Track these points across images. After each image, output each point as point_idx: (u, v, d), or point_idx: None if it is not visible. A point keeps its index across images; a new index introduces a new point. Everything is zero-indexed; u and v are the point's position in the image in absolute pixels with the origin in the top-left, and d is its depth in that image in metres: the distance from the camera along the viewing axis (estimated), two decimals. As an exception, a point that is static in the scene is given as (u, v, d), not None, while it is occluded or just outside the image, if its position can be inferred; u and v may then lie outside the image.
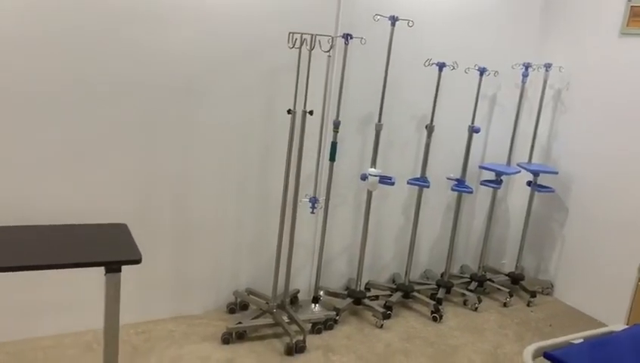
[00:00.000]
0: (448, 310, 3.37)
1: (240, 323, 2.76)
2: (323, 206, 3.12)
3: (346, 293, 3.21)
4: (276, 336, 2.82)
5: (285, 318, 2.84)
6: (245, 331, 2.77)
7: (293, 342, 2.66)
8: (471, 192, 3.41)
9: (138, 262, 1.83)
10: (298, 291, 3.22)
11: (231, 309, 3.02)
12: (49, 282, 2.55)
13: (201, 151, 2.77)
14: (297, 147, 2.78)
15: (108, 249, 1.88)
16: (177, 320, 2.88)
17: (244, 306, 3.07)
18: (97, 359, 2.42)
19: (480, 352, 2.91)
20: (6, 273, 2.42)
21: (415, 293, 3.34)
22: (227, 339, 2.71)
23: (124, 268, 1.87)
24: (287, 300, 2.96)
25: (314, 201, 2.92)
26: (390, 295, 3.32)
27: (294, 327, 2.80)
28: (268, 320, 2.82)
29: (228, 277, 3.03)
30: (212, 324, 2.87)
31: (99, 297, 2.64)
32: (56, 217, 2.48)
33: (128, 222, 2.64)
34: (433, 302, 3.25)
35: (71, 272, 2.58)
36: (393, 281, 3.59)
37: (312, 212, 3.02)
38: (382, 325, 3.05)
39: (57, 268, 1.76)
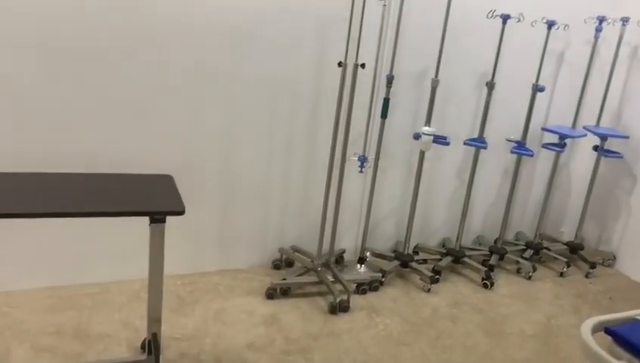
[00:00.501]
0: (500, 277, 3.24)
1: (284, 279, 2.74)
2: (372, 166, 3.01)
3: (393, 255, 3.13)
4: (320, 294, 2.79)
5: (330, 277, 2.80)
6: (289, 288, 2.75)
7: (337, 301, 2.62)
8: (532, 155, 3.20)
9: (181, 213, 1.80)
10: (344, 251, 3.16)
11: (276, 265, 3.01)
12: (101, 230, 2.59)
13: (249, 105, 2.71)
14: (347, 103, 2.67)
15: (153, 200, 1.86)
16: (222, 273, 2.89)
17: (289, 263, 3.05)
18: (144, 308, 2.46)
19: (533, 322, 2.78)
20: (56, 220, 2.47)
21: (466, 259, 3.22)
22: (271, 294, 2.70)
23: (171, 219, 1.85)
24: (332, 259, 2.91)
25: (363, 160, 2.82)
26: (440, 259, 3.21)
27: (338, 287, 2.75)
28: (313, 278, 2.79)
29: (274, 233, 3.00)
30: (257, 279, 2.86)
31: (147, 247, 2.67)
32: (106, 165, 2.49)
33: (176, 174, 2.64)
34: (484, 269, 3.12)
35: (122, 221, 2.62)
36: (443, 246, 3.48)
37: (361, 171, 2.92)
38: (429, 289, 2.97)
39: (101, 216, 1.76)
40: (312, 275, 2.83)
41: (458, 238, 3.28)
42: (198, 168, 2.70)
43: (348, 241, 3.21)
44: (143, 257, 2.70)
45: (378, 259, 3.19)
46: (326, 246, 2.96)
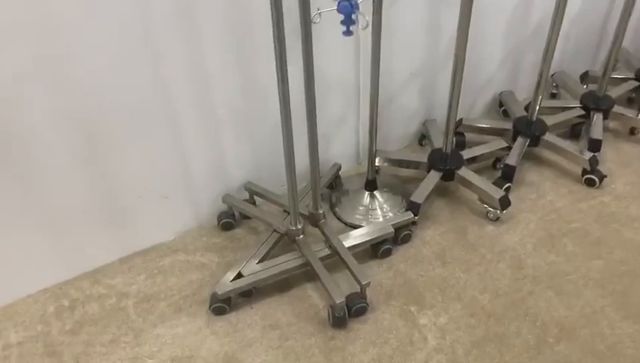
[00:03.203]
0: (607, 153, 1.92)
1: (239, 276, 1.44)
2: (367, 21, 1.47)
3: (424, 160, 1.77)
4: (310, 278, 1.53)
5: (320, 248, 1.51)
6: (250, 291, 1.48)
7: (339, 305, 1.37)
8: None
9: None
10: (338, 168, 1.81)
11: (225, 225, 1.70)
12: None
13: None
14: None
15: None
16: (126, 263, 1.60)
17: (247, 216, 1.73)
18: None
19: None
20: None
21: (547, 137, 1.85)
22: (221, 308, 1.45)
23: None
24: (319, 207, 1.57)
25: (349, 9, 1.29)
26: (506, 149, 1.84)
27: (340, 270, 1.47)
28: (291, 256, 1.49)
29: (212, 172, 1.63)
30: (194, 265, 1.59)
31: None
32: None
33: None
34: (580, 148, 1.78)
35: None
36: (500, 105, 2.08)
37: (348, 33, 1.40)
38: (498, 217, 1.68)
39: None
40: (288, 245, 1.54)
41: (537, 92, 1.85)
42: None
43: (341, 147, 1.84)
44: None
45: (397, 168, 1.85)
46: (303, 172, 1.60)
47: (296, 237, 1.50)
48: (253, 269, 1.46)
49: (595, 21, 2.16)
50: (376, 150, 1.74)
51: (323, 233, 1.53)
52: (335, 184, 1.81)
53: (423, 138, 1.98)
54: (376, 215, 1.70)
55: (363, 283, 1.39)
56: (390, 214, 1.69)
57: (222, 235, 1.69)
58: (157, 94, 1.39)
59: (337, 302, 1.35)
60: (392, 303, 1.46)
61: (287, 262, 1.47)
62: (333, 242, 1.49)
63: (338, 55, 1.63)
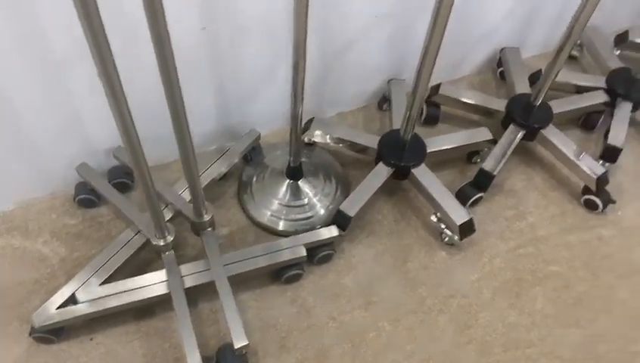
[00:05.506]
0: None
1: (67, 304, 1.02)
2: None
3: (373, 145, 1.27)
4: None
5: (195, 271, 1.07)
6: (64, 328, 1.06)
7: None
8: None
9: None
10: (257, 136, 1.30)
11: (84, 201, 1.23)
12: None
13: None
14: None
15: None
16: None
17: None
18: None
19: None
20: None
21: (548, 131, 1.34)
22: (45, 339, 1.04)
23: None
24: (203, 213, 1.09)
25: None
26: (491, 143, 1.34)
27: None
28: (148, 284, 1.05)
29: (61, 123, 1.13)
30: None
31: None
32: None
33: None
34: (594, 176, 1.29)
35: None
36: (499, 64, 1.54)
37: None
38: (453, 243, 1.23)
39: None
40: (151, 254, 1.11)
41: (555, 63, 1.31)
42: None
43: (268, 106, 1.32)
44: None
45: (344, 149, 1.35)
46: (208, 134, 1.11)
47: (163, 253, 1.06)
48: (93, 293, 1.03)
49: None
50: (310, 120, 1.24)
51: (205, 249, 1.09)
52: (252, 156, 1.33)
53: (384, 101, 1.46)
54: (294, 214, 1.24)
55: (237, 346, 0.97)
56: (315, 213, 1.23)
57: (79, 214, 1.23)
58: None
59: (194, 368, 0.95)
60: (283, 358, 1.07)
61: (142, 288, 1.04)
62: (213, 266, 1.05)
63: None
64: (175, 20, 0.76)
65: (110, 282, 1.05)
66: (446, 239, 1.23)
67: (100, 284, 1.04)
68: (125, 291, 1.04)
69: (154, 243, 1.04)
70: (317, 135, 1.32)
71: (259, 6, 1.08)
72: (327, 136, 1.32)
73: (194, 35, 1.06)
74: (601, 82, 1.44)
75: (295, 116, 1.09)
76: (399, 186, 1.33)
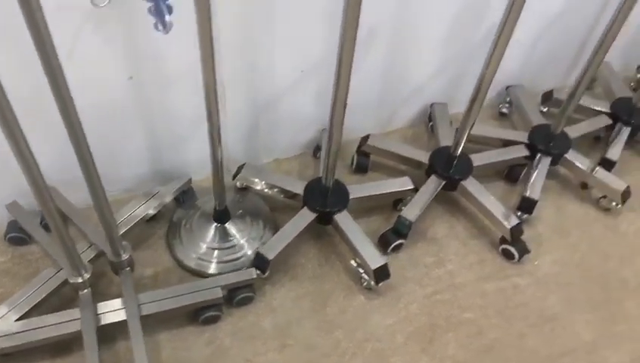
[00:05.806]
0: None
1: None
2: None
3: (299, 192, 1.33)
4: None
5: (111, 310, 1.10)
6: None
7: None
8: None
9: None
10: (187, 181, 1.36)
11: (14, 239, 1.27)
12: None
13: None
14: None
15: None
16: None
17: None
18: None
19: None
20: None
21: (468, 183, 1.41)
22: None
23: None
24: (120, 253, 1.14)
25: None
26: (413, 192, 1.41)
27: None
28: (63, 321, 1.08)
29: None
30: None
31: None
32: None
33: None
34: (508, 226, 1.35)
35: None
36: (429, 119, 1.62)
37: (163, 27, 0.91)
38: (371, 288, 1.27)
39: None
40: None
41: (467, 119, 1.39)
42: None
43: (200, 152, 1.39)
44: None
45: (276, 194, 1.40)
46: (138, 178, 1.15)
47: (80, 291, 1.09)
48: (9, 328, 1.06)
49: (579, 24, 1.66)
50: (242, 166, 1.31)
51: (123, 288, 1.12)
52: (184, 199, 1.38)
53: (318, 150, 1.53)
54: (223, 256, 1.28)
55: None
56: (244, 254, 1.28)
57: (9, 252, 1.27)
58: None
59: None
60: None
61: (55, 325, 1.07)
62: (127, 305, 1.09)
63: (184, 42, 1.14)
64: (101, 70, 0.82)
65: (27, 318, 1.08)
66: (365, 283, 1.27)
67: (16, 320, 1.07)
68: (40, 327, 1.06)
69: (71, 280, 1.07)
70: (248, 180, 1.38)
71: (185, 56, 1.15)
72: (258, 181, 1.38)
73: (120, 83, 1.12)
74: (523, 137, 1.53)
75: (215, 161, 1.15)
76: (326, 231, 1.38)
